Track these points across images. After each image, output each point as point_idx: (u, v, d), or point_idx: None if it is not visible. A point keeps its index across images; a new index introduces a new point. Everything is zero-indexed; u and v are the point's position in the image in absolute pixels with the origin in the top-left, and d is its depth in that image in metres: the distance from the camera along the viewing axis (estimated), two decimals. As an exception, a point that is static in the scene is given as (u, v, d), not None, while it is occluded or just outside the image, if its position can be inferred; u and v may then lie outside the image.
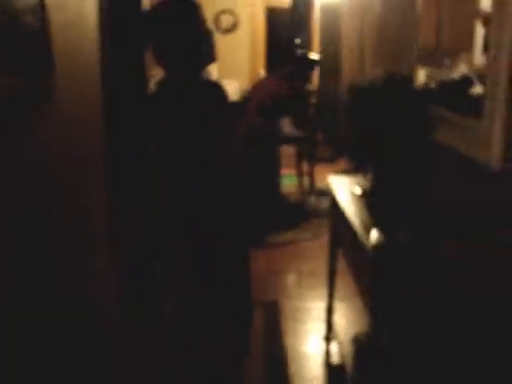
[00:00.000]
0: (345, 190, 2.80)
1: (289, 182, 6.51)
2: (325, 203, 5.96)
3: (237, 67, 8.27)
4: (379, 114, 2.39)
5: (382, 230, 2.08)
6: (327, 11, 8.44)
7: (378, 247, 1.97)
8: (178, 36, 2.19)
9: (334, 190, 2.88)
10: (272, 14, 8.67)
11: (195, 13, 2.23)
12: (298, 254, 4.80)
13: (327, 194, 6.17)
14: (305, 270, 4.46)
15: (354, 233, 2.22)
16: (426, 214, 2.29)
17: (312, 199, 6.10)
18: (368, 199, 2.56)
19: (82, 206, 2.02)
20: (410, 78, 3.06)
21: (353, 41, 8.31)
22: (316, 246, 4.92)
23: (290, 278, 4.39)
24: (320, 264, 4.29)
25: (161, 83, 2.32)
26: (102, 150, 2.33)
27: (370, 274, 2.06)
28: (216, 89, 2.46)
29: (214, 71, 7.60)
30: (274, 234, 5.13)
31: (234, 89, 6.42)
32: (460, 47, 3.45)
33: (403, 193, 2.44)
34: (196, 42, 2.23)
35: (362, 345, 2.79)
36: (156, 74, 2.52)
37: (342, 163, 8.08)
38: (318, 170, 6.53)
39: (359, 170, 2.85)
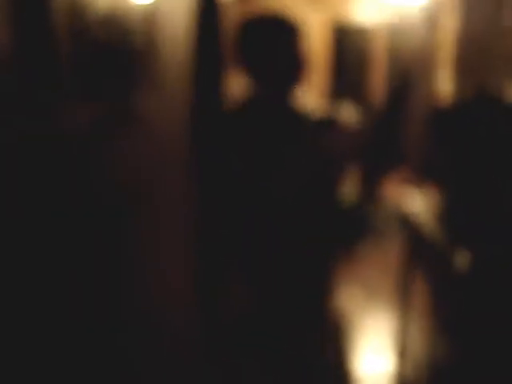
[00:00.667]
0: (419, 204, 2.75)
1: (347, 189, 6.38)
2: (387, 217, 5.85)
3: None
4: (471, 139, 2.32)
5: (472, 248, 2.00)
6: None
7: (469, 266, 1.89)
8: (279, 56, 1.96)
9: (408, 204, 2.82)
10: (341, 34, 8.42)
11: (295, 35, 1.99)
12: (362, 268, 4.69)
13: (390, 207, 6.12)
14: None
15: (436, 252, 2.15)
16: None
17: (372, 211, 5.97)
18: (449, 216, 2.48)
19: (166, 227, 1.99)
20: (500, 97, 2.95)
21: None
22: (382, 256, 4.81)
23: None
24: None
25: (247, 102, 2.09)
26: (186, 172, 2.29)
27: (460, 295, 1.99)
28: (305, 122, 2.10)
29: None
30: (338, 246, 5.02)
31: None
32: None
33: (492, 208, 2.34)
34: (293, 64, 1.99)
35: (440, 370, 2.70)
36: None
37: (405, 171, 7.91)
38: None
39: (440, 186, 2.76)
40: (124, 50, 1.40)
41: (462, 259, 1.96)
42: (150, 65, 1.61)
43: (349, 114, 6.28)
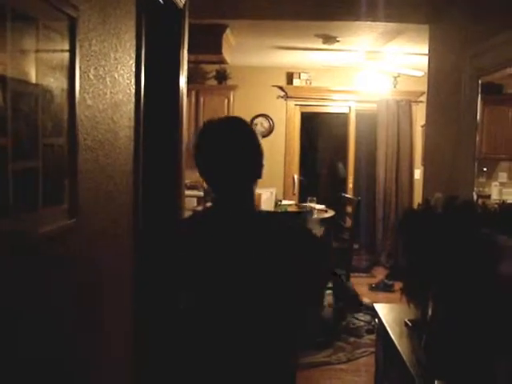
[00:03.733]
0: (393, 320, 2.74)
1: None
2: (362, 319, 5.60)
3: (272, 172, 8.11)
4: (440, 242, 2.35)
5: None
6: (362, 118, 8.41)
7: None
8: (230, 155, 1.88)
9: (382, 319, 2.81)
10: (307, 117, 8.61)
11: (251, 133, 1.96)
12: (330, 380, 4.41)
13: (364, 308, 5.89)
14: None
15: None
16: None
17: (347, 315, 5.70)
18: (424, 334, 2.43)
19: None
20: (471, 202, 2.82)
21: (388, 147, 8.18)
22: (351, 371, 4.55)
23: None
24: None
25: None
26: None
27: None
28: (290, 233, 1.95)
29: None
30: (303, 353, 4.74)
31: (270, 198, 6.14)
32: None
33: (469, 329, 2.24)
34: (247, 161, 1.93)
35: None
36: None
37: (377, 273, 7.76)
38: (353, 280, 6.20)
39: (413, 300, 2.68)
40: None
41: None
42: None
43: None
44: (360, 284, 6.85)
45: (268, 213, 2.33)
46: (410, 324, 2.63)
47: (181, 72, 3.45)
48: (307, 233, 2.05)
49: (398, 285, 7.36)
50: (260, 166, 1.96)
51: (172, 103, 3.39)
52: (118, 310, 2.62)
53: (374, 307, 5.87)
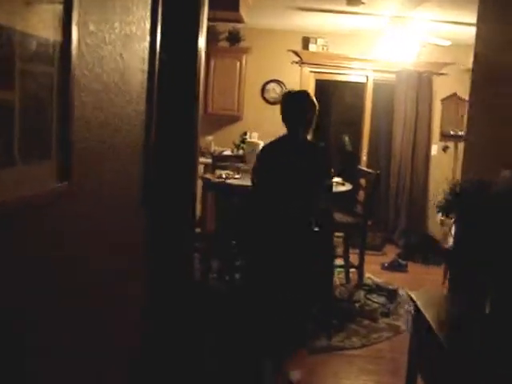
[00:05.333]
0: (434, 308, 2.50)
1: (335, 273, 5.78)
2: (376, 301, 5.29)
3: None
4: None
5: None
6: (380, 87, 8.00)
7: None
8: (298, 111, 4.15)
9: (420, 307, 2.54)
10: (322, 85, 8.15)
11: (311, 101, 4.13)
12: (343, 366, 4.10)
13: (378, 289, 5.57)
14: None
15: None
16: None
17: (361, 295, 5.39)
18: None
19: None
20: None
21: (406, 120, 7.80)
22: (365, 357, 4.24)
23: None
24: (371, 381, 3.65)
25: (278, 139, 4.27)
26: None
27: None
28: (317, 150, 4.32)
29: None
30: (315, 338, 4.42)
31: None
32: None
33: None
34: (306, 116, 4.12)
35: None
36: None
37: (388, 251, 7.44)
38: (366, 259, 5.84)
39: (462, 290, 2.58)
40: None
41: None
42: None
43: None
44: (372, 262, 6.51)
45: (310, 142, 4.64)
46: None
47: (200, 31, 3.07)
48: (324, 148, 4.51)
49: (411, 265, 7.10)
50: (311, 120, 4.13)
51: (189, 63, 3.01)
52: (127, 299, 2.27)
53: (388, 288, 5.62)
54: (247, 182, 4.69)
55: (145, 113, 2.32)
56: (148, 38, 2.27)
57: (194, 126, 2.99)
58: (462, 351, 2.06)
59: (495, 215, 2.06)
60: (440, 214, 2.92)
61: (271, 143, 4.30)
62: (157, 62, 2.36)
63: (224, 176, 5.12)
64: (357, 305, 5.18)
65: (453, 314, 2.50)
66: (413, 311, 2.62)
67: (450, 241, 7.92)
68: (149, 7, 2.27)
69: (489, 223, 2.09)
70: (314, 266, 4.11)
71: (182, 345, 3.21)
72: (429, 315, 2.40)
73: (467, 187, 2.50)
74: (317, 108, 4.12)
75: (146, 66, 2.27)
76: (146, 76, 2.27)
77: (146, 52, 2.26)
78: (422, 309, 2.52)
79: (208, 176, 5.39)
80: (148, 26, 2.27)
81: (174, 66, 2.86)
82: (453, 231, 7.45)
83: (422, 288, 5.40)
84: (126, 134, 2.10)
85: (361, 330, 4.73)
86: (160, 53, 2.48)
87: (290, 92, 4.39)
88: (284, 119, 4.18)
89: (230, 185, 4.98)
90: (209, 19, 6.20)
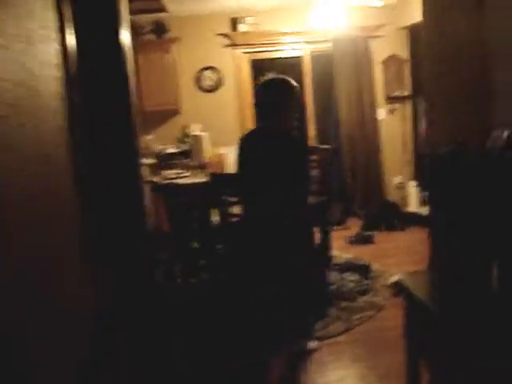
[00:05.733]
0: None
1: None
2: (350, 280, 5.08)
3: (228, 128, 7.41)
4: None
5: None
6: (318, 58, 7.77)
7: None
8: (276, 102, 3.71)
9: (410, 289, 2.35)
10: (258, 66, 7.82)
11: (291, 90, 3.72)
12: (332, 356, 3.86)
13: (350, 267, 5.36)
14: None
15: None
16: None
17: (333, 276, 5.16)
18: None
19: None
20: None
21: (349, 88, 7.62)
22: (353, 342, 4.02)
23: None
24: (365, 371, 3.42)
25: (255, 129, 4.07)
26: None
27: None
28: (290, 142, 3.81)
29: (198, 130, 6.76)
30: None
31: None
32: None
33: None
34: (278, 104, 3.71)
35: None
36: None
37: (351, 225, 7.25)
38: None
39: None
40: None
41: None
42: None
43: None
44: (336, 238, 6.25)
45: (285, 132, 3.77)
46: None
47: (121, 25, 2.71)
48: (297, 140, 3.93)
49: (376, 235, 6.93)
50: (284, 107, 3.73)
51: (114, 61, 2.65)
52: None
53: (360, 264, 5.42)
54: (198, 178, 4.41)
55: (66, 132, 1.99)
56: (58, 40, 1.93)
57: (131, 128, 2.65)
58: (460, 326, 1.84)
59: (487, 182, 1.83)
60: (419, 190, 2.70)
61: (247, 134, 4.05)
62: (72, 66, 2.02)
63: (173, 176, 4.78)
64: (332, 287, 4.94)
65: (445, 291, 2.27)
66: (405, 298, 2.38)
67: (411, 204, 7.82)
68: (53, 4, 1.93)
69: (478, 191, 1.86)
70: (296, 258, 3.83)
71: (147, 347, 2.97)
72: (423, 298, 2.17)
73: (443, 153, 2.26)
74: (293, 94, 3.75)
75: (59, 72, 1.94)
76: (62, 84, 1.94)
77: (59, 56, 1.93)
78: (413, 292, 2.29)
79: (154, 179, 5.03)
80: (56, 25, 1.93)
81: (96, 69, 2.51)
82: (421, 196, 7.34)
83: (406, 272, 5.26)
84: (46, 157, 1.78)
85: (341, 313, 4.51)
86: (78, 55, 2.14)
87: (262, 81, 3.95)
88: (256, 109, 4.02)
89: (180, 185, 4.64)
90: (129, 12, 5.87)
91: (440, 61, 2.85)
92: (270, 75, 3.86)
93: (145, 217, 2.88)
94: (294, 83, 3.73)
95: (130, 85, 2.61)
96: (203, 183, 4.43)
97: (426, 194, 3.05)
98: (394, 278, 4.96)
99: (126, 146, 2.71)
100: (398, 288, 4.80)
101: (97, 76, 2.45)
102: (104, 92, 2.50)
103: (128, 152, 2.74)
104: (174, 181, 4.71)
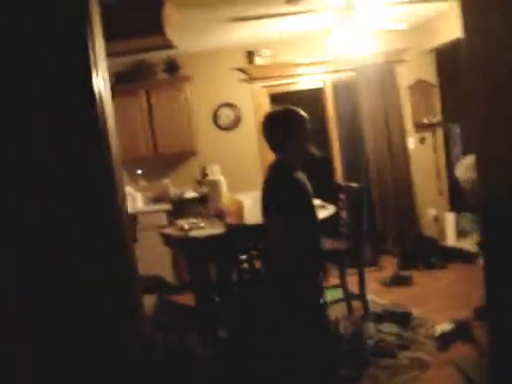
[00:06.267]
0: None
1: (331, 296, 4.87)
2: (388, 332, 4.55)
3: (247, 169, 7.02)
4: None
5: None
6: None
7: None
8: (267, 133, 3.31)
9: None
10: (277, 100, 7.39)
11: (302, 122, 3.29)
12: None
13: (388, 316, 4.83)
14: None
15: None
16: None
17: (371, 328, 4.64)
18: None
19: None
20: None
21: (375, 118, 7.18)
22: None
23: None
24: None
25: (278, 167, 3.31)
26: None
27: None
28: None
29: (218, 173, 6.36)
30: None
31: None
32: None
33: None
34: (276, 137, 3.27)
35: None
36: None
37: (386, 264, 6.73)
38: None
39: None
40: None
41: None
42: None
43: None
44: (370, 281, 5.73)
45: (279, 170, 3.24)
46: None
47: (94, 71, 2.20)
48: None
49: (414, 274, 6.38)
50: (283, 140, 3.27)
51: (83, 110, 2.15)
52: None
53: (398, 312, 4.90)
54: (215, 229, 3.97)
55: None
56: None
57: (107, 186, 2.18)
58: None
59: None
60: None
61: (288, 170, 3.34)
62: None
63: (186, 227, 4.33)
64: (370, 342, 4.41)
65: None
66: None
67: (449, 237, 7.27)
68: None
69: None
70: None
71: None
72: None
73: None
74: (294, 124, 3.24)
75: None
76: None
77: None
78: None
79: (168, 230, 4.59)
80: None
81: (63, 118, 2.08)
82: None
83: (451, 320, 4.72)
84: None
85: (380, 373, 3.98)
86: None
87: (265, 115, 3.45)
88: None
89: (194, 239, 4.15)
90: (134, 51, 5.52)
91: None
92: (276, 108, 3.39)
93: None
94: (302, 112, 3.25)
95: (107, 134, 2.14)
96: (219, 236, 3.98)
97: (483, 253, 2.56)
98: (440, 329, 4.43)
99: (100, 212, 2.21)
100: (445, 341, 4.33)
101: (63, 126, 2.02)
102: (72, 145, 2.07)
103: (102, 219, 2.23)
104: (188, 233, 4.25)
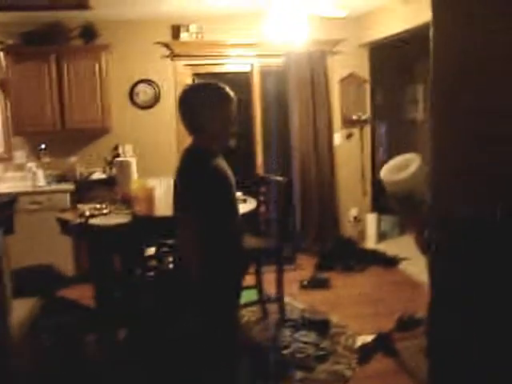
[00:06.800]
0: None
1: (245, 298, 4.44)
2: (305, 341, 4.21)
3: (163, 153, 6.51)
4: None
5: None
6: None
7: None
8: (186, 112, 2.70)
9: None
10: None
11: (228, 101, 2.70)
12: None
13: (306, 323, 4.47)
14: None
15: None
16: None
17: (287, 337, 4.27)
18: None
19: None
20: None
21: (303, 109, 6.82)
22: None
23: None
24: None
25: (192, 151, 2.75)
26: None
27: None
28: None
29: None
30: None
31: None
32: None
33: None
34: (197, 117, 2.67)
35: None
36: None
37: (303, 263, 6.39)
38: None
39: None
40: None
41: None
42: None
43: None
44: (287, 281, 5.32)
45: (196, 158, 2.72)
46: None
47: None
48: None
49: (334, 277, 6.06)
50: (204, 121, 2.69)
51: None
52: None
53: (317, 320, 4.56)
54: (120, 218, 3.48)
55: None
56: None
57: None
58: None
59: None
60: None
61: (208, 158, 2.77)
62: None
63: (87, 213, 3.78)
64: (286, 352, 4.03)
65: None
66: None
67: (369, 239, 7.03)
68: None
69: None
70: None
71: None
72: None
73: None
74: (219, 102, 2.66)
75: None
76: None
77: None
78: None
79: (67, 216, 4.01)
80: None
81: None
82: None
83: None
84: None
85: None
86: None
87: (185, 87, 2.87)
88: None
89: (95, 227, 3.60)
90: (45, 7, 4.90)
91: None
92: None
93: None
94: (228, 89, 2.73)
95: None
96: (123, 226, 3.48)
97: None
98: (360, 341, 4.11)
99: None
100: (366, 353, 4.02)
101: None
102: None
103: None
104: (87, 221, 3.70)
